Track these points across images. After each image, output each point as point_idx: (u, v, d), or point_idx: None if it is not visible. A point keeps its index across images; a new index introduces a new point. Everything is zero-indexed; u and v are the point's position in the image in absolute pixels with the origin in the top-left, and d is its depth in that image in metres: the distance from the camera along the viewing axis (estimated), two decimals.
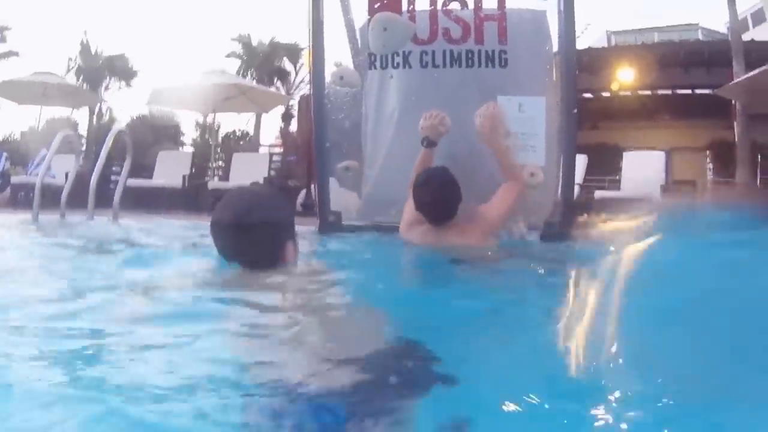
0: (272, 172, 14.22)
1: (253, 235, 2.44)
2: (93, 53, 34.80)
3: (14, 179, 13.68)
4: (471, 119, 4.60)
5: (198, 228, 5.02)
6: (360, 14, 5.46)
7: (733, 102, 16.03)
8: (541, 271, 3.92)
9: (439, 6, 5.11)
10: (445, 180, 4.25)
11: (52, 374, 1.56)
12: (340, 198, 5.28)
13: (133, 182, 8.38)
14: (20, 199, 12.83)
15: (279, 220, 2.55)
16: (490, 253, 4.27)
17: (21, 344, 1.77)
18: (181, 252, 3.87)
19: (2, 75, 25.44)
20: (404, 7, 5.11)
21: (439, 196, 4.21)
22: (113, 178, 11.02)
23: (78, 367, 1.61)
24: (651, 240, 1.77)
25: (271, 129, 39.66)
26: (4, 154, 15.55)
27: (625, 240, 2.11)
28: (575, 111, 4.97)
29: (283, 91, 31.79)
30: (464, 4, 5.10)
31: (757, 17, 34.54)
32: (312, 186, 6.07)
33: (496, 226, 4.42)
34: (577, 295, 2.06)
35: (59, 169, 9.86)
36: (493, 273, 3.83)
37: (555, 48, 5.14)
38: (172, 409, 1.42)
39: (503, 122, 4.65)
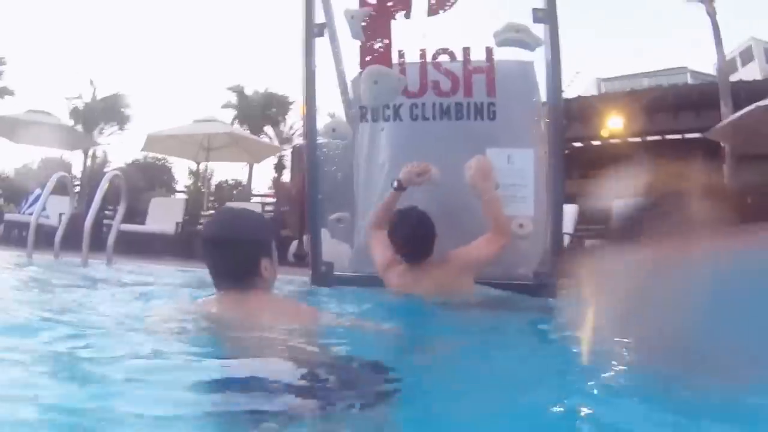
0: None
1: (230, 249, 2.71)
2: (91, 97, 34.94)
3: (8, 216, 13.70)
4: (461, 172, 4.66)
5: (190, 272, 5.17)
6: (352, 66, 5.55)
7: (722, 145, 16.17)
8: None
9: (428, 59, 5.17)
10: (420, 218, 4.42)
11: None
12: (333, 249, 5.30)
13: (126, 227, 8.40)
14: (13, 237, 12.84)
15: (256, 238, 2.79)
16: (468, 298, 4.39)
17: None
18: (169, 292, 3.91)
19: None
20: (395, 59, 5.18)
21: (416, 233, 4.39)
22: (106, 221, 11.06)
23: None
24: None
25: (263, 179, 39.81)
26: None
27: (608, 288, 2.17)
28: (563, 162, 5.01)
29: (275, 141, 31.95)
30: (453, 57, 5.17)
31: (746, 56, 34.86)
32: (304, 236, 6.11)
33: (471, 269, 4.50)
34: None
35: (52, 209, 9.88)
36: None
37: (543, 98, 5.19)
38: None
39: (492, 174, 4.72)
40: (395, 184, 4.76)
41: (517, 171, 4.98)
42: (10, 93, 32.83)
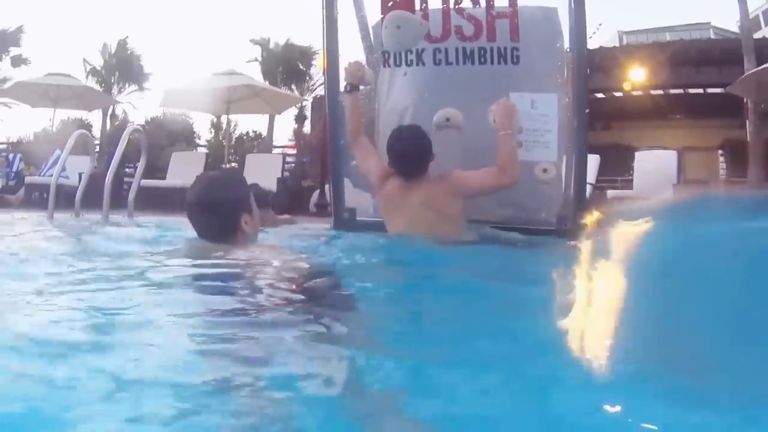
0: (286, 173, 14.26)
1: (209, 211, 3.03)
2: (107, 55, 34.85)
3: (28, 179, 13.79)
4: (484, 116, 4.66)
5: None
6: (373, 12, 5.51)
7: (745, 100, 15.99)
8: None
9: (451, 4, 5.12)
10: (415, 134, 4.57)
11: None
12: (354, 198, 5.30)
13: (147, 183, 8.42)
14: (34, 199, 12.94)
15: (231, 198, 3.07)
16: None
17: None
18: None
19: (15, 78, 25.68)
20: (417, 5, 5.15)
21: (408, 150, 4.54)
22: (126, 179, 11.12)
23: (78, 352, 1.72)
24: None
25: (284, 130, 39.66)
26: (18, 155, 15.70)
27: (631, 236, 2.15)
28: (587, 108, 4.98)
29: (298, 93, 31.76)
30: (476, 2, 5.10)
31: None
32: (325, 186, 6.13)
33: (463, 192, 4.54)
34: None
35: (72, 169, 9.94)
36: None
37: (567, 45, 5.15)
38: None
39: (516, 115, 4.72)
40: (347, 87, 4.89)
41: (540, 116, 4.94)
42: (25, 62, 32.78)
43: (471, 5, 5.13)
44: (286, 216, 6.51)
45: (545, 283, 2.90)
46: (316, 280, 2.76)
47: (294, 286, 2.55)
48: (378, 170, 4.77)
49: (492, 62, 5.06)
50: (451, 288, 2.98)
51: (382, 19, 5.15)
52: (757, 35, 22.97)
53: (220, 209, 3.04)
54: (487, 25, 5.06)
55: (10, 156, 15.66)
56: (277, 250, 3.39)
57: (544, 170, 4.78)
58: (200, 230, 3.08)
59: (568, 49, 5.13)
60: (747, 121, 16.82)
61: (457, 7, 5.12)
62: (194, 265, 2.88)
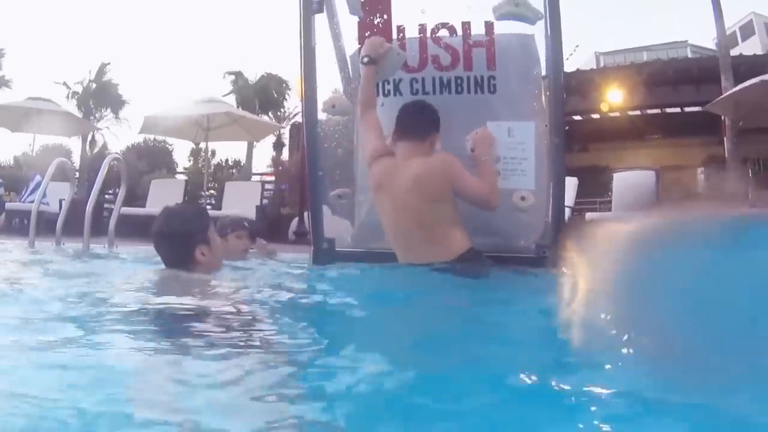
0: (265, 201, 14.25)
1: (167, 242, 3.42)
2: (87, 82, 34.88)
3: (9, 206, 13.70)
4: (462, 145, 4.69)
5: None
6: (351, 43, 5.54)
7: (723, 118, 16.15)
8: None
9: (428, 34, 5.16)
10: (426, 103, 4.78)
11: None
12: (334, 226, 5.29)
13: (127, 210, 8.39)
14: (15, 225, 12.90)
15: (186, 231, 3.40)
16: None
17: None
18: None
19: None
20: (394, 35, 5.18)
21: (415, 108, 4.76)
22: (107, 205, 11.08)
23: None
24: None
25: (263, 158, 39.83)
26: None
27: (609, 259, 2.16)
28: (563, 133, 5.00)
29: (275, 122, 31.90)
30: (453, 32, 5.15)
31: (746, 31, 34.69)
32: (305, 214, 6.15)
33: (453, 181, 4.49)
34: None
35: (53, 195, 9.92)
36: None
37: (544, 71, 5.18)
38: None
39: (494, 144, 4.76)
40: (365, 60, 4.90)
41: (517, 144, 4.97)
42: (7, 84, 32.70)
43: (448, 34, 5.16)
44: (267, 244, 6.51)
45: (517, 314, 2.94)
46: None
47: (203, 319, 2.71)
48: (375, 145, 4.80)
49: (469, 91, 5.08)
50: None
51: (360, 49, 5.17)
52: (734, 51, 23.24)
53: (176, 241, 3.40)
54: (464, 54, 5.09)
55: None
56: (220, 284, 3.52)
57: (522, 198, 4.80)
58: (163, 259, 3.47)
59: (544, 76, 5.15)
60: (725, 139, 16.96)
61: (434, 36, 5.16)
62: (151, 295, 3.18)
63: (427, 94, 5.12)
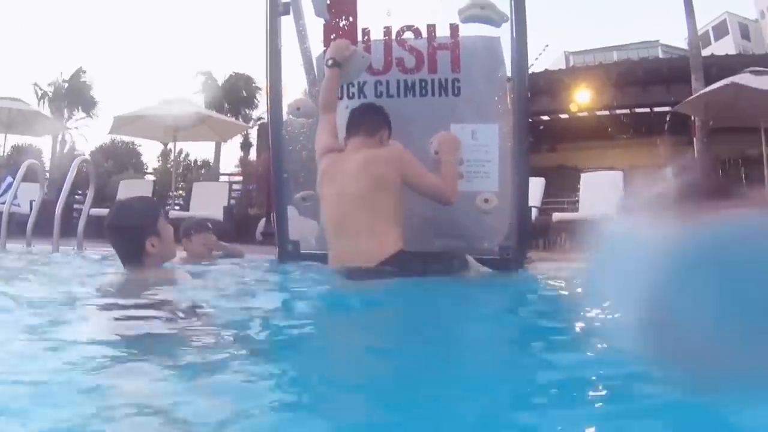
0: (232, 201, 14.22)
1: (117, 235, 3.45)
2: (60, 82, 34.63)
3: None
4: (425, 147, 4.71)
5: None
6: (317, 45, 5.55)
7: (693, 118, 16.29)
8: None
9: (393, 36, 5.19)
10: (375, 106, 4.86)
11: None
12: (300, 225, 5.30)
13: (96, 211, 8.34)
14: None
15: (135, 223, 3.42)
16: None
17: None
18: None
19: None
20: (359, 37, 5.20)
21: (364, 106, 4.86)
22: (76, 206, 11.02)
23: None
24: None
25: (231, 158, 39.72)
26: None
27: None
28: (528, 137, 5.03)
29: (243, 122, 31.83)
30: (418, 34, 5.18)
31: (719, 30, 35.10)
32: (272, 215, 6.15)
33: (404, 170, 4.48)
34: None
35: (23, 196, 9.84)
36: None
37: (510, 73, 5.21)
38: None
39: (458, 149, 4.79)
40: (330, 62, 4.89)
41: (481, 146, 5.01)
42: None
43: (413, 37, 5.19)
44: (234, 245, 6.50)
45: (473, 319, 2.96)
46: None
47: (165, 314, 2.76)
48: (327, 142, 4.83)
49: (433, 94, 5.12)
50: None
51: (325, 51, 5.18)
52: (707, 51, 23.46)
53: (126, 233, 3.44)
54: (429, 56, 5.13)
55: None
56: (174, 279, 3.65)
57: (486, 200, 4.83)
58: (116, 252, 3.52)
59: (509, 78, 5.18)
60: (695, 139, 17.11)
61: (399, 39, 5.19)
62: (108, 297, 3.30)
63: (392, 96, 5.15)
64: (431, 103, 5.08)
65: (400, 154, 4.55)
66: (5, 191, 12.79)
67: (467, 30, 5.19)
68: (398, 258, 4.29)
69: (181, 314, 2.78)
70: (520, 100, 5.00)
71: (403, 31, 5.19)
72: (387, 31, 5.19)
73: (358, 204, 4.40)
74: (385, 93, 5.16)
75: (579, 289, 2.08)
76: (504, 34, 5.09)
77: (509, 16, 4.94)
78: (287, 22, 5.39)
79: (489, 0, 4.97)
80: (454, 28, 5.15)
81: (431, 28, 5.18)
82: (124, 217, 3.52)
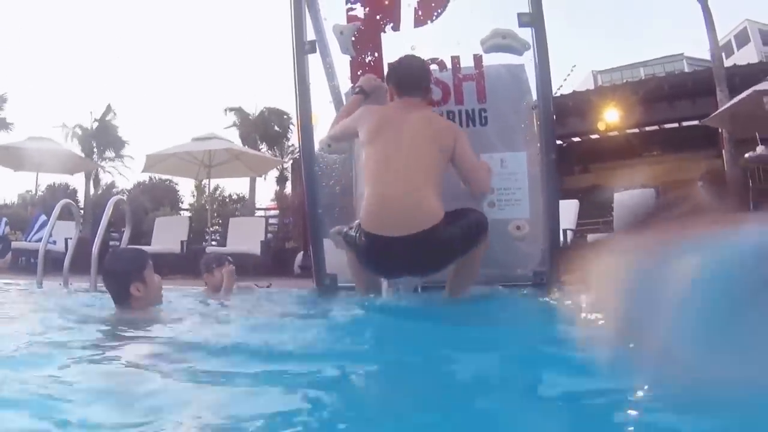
0: (269, 235, 14.34)
1: (107, 280, 4.02)
2: (91, 121, 35.18)
3: (15, 245, 13.87)
4: (455, 179, 4.76)
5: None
6: (344, 81, 5.65)
7: (720, 130, 16.21)
8: None
9: None
10: (416, 60, 4.92)
11: None
12: (337, 258, 5.34)
13: None
14: (21, 263, 13.07)
15: (122, 270, 3.91)
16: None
17: None
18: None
19: None
20: (385, 72, 5.26)
21: (423, 65, 4.91)
22: (112, 243, 11.19)
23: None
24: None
25: (267, 192, 39.96)
26: (4, 219, 15.71)
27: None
28: (554, 158, 5.01)
29: (278, 155, 32.10)
30: (443, 67, 5.26)
31: (741, 38, 34.77)
32: (309, 247, 6.23)
33: (448, 147, 4.49)
34: None
35: (58, 234, 10.03)
36: None
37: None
38: None
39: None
40: (356, 89, 5.08)
41: (510, 174, 5.07)
42: (8, 127, 32.94)
43: (438, 69, 5.27)
44: (247, 284, 6.60)
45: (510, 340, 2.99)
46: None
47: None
48: (356, 115, 4.83)
49: (461, 125, 5.16)
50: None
51: (353, 87, 5.28)
52: (731, 60, 23.30)
53: (114, 278, 3.95)
54: (455, 88, 5.21)
55: None
56: (155, 318, 3.96)
57: (518, 227, 4.88)
58: (109, 294, 4.01)
59: (535, 104, 5.22)
60: (723, 151, 17.01)
61: None
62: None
63: None
64: None
65: (455, 126, 4.78)
66: (39, 229, 13.07)
67: (491, 59, 5.26)
68: (439, 228, 4.21)
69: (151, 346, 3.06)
70: (547, 126, 5.04)
71: (429, 64, 5.23)
72: None
73: (413, 162, 4.34)
74: None
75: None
76: (528, 60, 5.13)
77: (531, 43, 5.00)
78: (315, 60, 5.47)
79: (510, 29, 5.04)
80: (477, 59, 5.23)
81: (455, 59, 5.26)
82: (114, 263, 4.06)
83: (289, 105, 33.82)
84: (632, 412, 1.73)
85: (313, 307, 5.02)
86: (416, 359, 2.61)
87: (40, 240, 7.50)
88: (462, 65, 5.28)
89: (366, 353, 2.89)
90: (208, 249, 12.38)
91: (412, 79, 4.76)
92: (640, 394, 1.75)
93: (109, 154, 35.52)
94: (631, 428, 1.67)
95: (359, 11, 5.35)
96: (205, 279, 5.82)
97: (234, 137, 31.33)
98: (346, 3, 5.32)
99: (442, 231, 4.19)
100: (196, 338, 3.31)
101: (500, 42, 5.04)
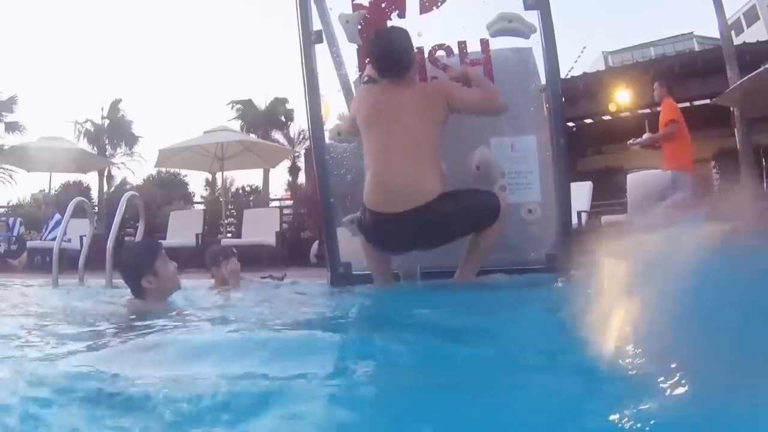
0: (284, 225, 14.41)
1: (122, 273, 4.28)
2: (100, 118, 35.23)
3: (30, 244, 13.99)
4: (466, 162, 4.78)
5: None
6: (352, 69, 5.65)
7: (732, 109, 16.10)
8: None
9: (426, 56, 5.27)
10: (392, 33, 4.97)
11: None
12: (352, 245, 5.35)
13: None
14: (37, 263, 13.16)
15: (132, 264, 4.11)
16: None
17: None
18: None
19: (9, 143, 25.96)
20: None
21: (389, 46, 4.85)
22: (127, 238, 11.27)
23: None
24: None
25: (279, 182, 40.09)
26: (19, 219, 15.83)
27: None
28: (565, 143, 5.02)
29: (286, 145, 32.10)
30: (450, 52, 5.26)
31: (750, 16, 34.45)
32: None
33: (449, 97, 4.69)
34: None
35: (72, 232, 10.10)
36: None
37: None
38: None
39: (497, 161, 4.87)
40: (365, 79, 5.15)
41: (521, 158, 5.08)
42: (20, 128, 33.01)
43: (445, 55, 5.26)
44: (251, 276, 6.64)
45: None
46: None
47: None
48: (353, 105, 5.07)
49: None
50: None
51: (361, 74, 5.29)
52: (741, 38, 23.09)
53: (127, 272, 4.17)
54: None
55: (11, 220, 15.79)
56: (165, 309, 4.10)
57: (530, 211, 4.91)
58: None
59: (543, 88, 5.23)
60: (735, 130, 16.90)
61: (432, 58, 5.26)
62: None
63: None
64: (469, 119, 5.09)
65: (443, 86, 4.82)
66: (54, 228, 13.17)
67: (498, 43, 5.25)
68: (433, 204, 4.46)
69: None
70: (556, 109, 5.05)
71: (436, 51, 5.27)
72: (420, 51, 5.24)
73: (410, 143, 4.55)
74: None
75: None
76: (536, 43, 5.14)
77: (537, 26, 5.00)
78: (323, 49, 5.48)
79: (516, 12, 5.04)
80: (484, 43, 5.21)
81: (462, 45, 5.25)
82: (126, 257, 4.39)
83: (296, 94, 33.95)
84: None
85: (319, 301, 5.05)
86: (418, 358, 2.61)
87: (54, 239, 7.56)
88: (469, 50, 5.27)
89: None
90: (223, 241, 12.41)
91: (390, 60, 4.84)
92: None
93: (121, 150, 35.58)
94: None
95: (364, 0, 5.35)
96: (213, 273, 5.88)
97: (237, 128, 31.42)
98: None
99: (436, 207, 4.43)
100: (192, 333, 3.35)
101: (506, 26, 5.05)
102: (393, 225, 4.51)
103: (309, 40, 5.32)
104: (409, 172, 4.49)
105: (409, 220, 4.43)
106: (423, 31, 5.20)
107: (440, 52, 5.27)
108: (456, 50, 5.26)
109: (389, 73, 4.84)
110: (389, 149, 4.59)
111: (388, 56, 4.82)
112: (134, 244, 4.70)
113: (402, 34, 4.89)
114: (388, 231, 4.59)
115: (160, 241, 12.83)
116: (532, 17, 5.06)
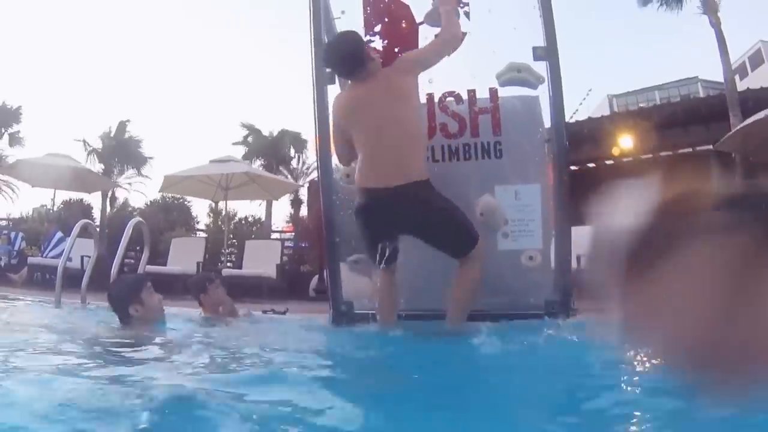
0: (284, 258, 14.46)
1: (111, 302, 4.61)
2: (107, 138, 35.33)
3: (31, 260, 13.96)
4: (471, 210, 4.86)
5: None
6: None
7: (733, 155, 16.19)
8: None
9: (436, 102, 5.37)
10: (342, 36, 5.18)
11: None
12: (354, 284, 5.42)
13: (149, 268, 8.55)
14: (37, 279, 13.14)
15: (120, 294, 4.60)
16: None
17: None
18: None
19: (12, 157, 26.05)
20: None
21: (339, 49, 5.05)
22: (127, 260, 11.28)
23: None
24: None
25: (281, 214, 40.25)
26: (20, 234, 15.86)
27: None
28: (568, 191, 5.09)
29: (290, 178, 32.20)
30: (459, 100, 5.36)
31: (755, 60, 34.66)
32: (324, 271, 6.32)
33: (415, 65, 4.96)
34: None
35: (74, 251, 10.11)
36: None
37: None
38: None
39: (500, 209, 4.95)
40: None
41: (524, 206, 5.15)
42: (20, 141, 33.16)
43: (455, 102, 5.37)
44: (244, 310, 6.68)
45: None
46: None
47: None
48: (334, 122, 5.19)
49: (476, 157, 5.28)
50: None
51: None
52: (745, 82, 23.24)
53: (115, 302, 4.58)
54: (471, 121, 5.30)
55: (12, 234, 15.83)
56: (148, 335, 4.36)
57: (530, 258, 4.98)
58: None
59: (548, 140, 5.31)
60: (736, 176, 16.97)
61: (441, 105, 5.37)
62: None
63: (437, 161, 5.31)
64: (475, 166, 5.23)
65: (405, 62, 4.98)
66: (55, 246, 13.18)
67: (506, 91, 5.37)
68: (420, 184, 4.65)
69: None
70: (560, 158, 5.14)
71: (445, 98, 5.37)
72: (429, 97, 5.36)
73: (392, 121, 4.73)
74: (431, 158, 5.28)
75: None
76: (542, 92, 5.27)
77: (545, 77, 5.11)
78: (334, 91, 5.53)
79: (525, 63, 5.15)
80: (493, 92, 5.33)
81: (471, 93, 5.36)
82: (114, 288, 4.82)
83: (304, 127, 34.13)
84: None
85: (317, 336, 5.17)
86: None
87: (55, 256, 7.62)
88: (478, 97, 5.38)
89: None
90: (224, 271, 12.39)
91: (344, 63, 5.05)
92: None
93: (128, 172, 35.66)
94: None
95: (377, 44, 5.46)
96: (201, 300, 5.89)
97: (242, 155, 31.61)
98: (365, 36, 5.41)
99: (423, 188, 4.64)
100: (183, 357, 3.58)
101: (515, 76, 5.17)
102: (384, 201, 4.64)
103: (322, 80, 5.41)
104: (400, 146, 4.66)
105: (398, 195, 4.59)
106: (433, 78, 5.32)
107: (450, 100, 5.38)
108: (465, 97, 5.37)
109: (349, 75, 5.08)
110: (377, 132, 4.75)
111: (342, 61, 5.03)
112: (124, 276, 5.37)
113: (347, 36, 5.09)
114: (379, 208, 4.69)
115: (161, 267, 13.05)
116: (540, 67, 5.17)
